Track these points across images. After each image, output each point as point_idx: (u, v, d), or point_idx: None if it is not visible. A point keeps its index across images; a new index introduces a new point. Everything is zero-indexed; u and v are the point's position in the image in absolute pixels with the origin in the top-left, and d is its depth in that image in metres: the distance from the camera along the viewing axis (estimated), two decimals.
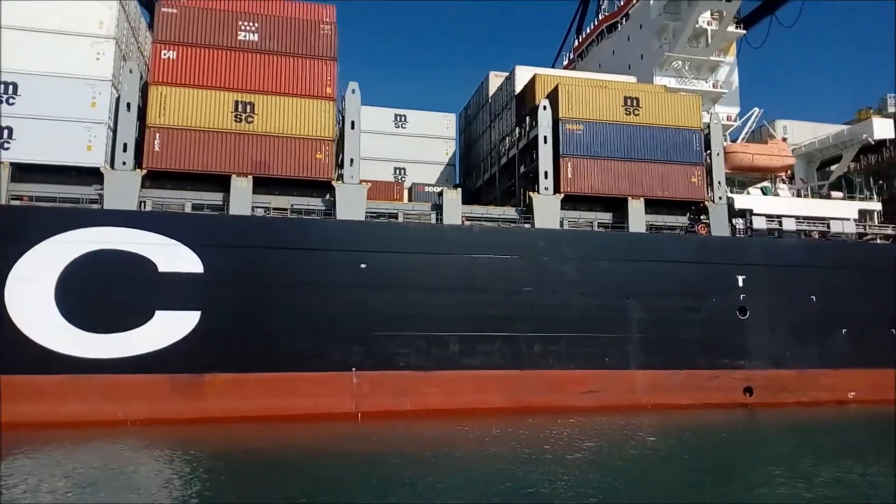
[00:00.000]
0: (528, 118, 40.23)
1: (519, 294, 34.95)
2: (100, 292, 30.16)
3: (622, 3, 57.12)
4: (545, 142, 37.50)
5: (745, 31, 51.39)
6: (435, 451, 24.16)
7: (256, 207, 33.59)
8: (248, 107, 33.87)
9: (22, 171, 31.16)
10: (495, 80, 51.78)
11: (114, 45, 32.84)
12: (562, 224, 37.06)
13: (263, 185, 34.02)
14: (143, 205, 32.26)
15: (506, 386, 34.06)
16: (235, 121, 33.64)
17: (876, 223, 42.55)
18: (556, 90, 38.56)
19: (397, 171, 50.27)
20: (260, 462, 22.17)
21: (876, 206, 42.76)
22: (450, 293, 34.04)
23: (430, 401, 32.86)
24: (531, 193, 36.95)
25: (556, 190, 37.04)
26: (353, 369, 32.54)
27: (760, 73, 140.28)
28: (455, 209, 35.89)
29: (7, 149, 30.78)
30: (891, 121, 44.20)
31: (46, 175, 31.60)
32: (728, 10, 47.86)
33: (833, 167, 48.04)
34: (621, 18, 56.29)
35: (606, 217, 38.50)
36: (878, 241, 42.11)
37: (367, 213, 34.77)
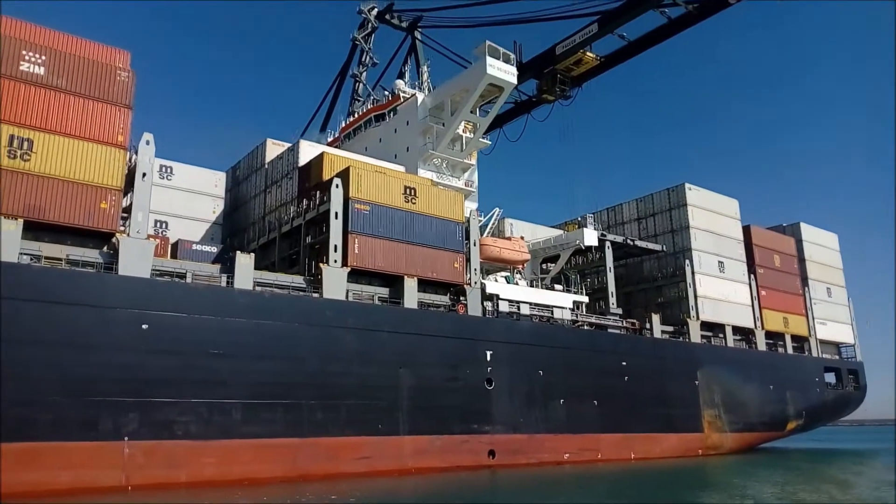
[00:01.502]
0: (317, 192, 42.35)
1: (304, 362, 36.11)
2: None
3: (391, 98, 63.27)
4: (336, 217, 40.00)
5: (490, 143, 60.77)
6: None
7: (24, 254, 30.02)
8: (26, 143, 30.67)
9: None
10: (273, 147, 53.08)
11: None
12: (347, 295, 39.44)
13: (35, 230, 30.65)
14: None
15: (286, 454, 34.48)
16: (9, 156, 30.11)
17: (584, 312, 52.98)
18: (347, 171, 41.60)
19: (159, 225, 47.95)
20: None
21: (584, 298, 53.35)
22: (236, 359, 33.87)
23: (208, 471, 31.85)
24: (321, 265, 38.83)
25: (344, 263, 39.51)
26: (126, 438, 30.24)
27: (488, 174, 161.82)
28: (248, 273, 36.10)
29: None
30: (597, 232, 56.01)
31: None
32: (481, 123, 56.59)
33: (551, 264, 58.65)
34: (389, 112, 62.19)
35: (384, 291, 41.95)
36: (586, 327, 52.42)
37: (152, 270, 33.23)
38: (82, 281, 30.94)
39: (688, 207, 63.80)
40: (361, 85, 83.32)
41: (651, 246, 61.91)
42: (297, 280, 39.20)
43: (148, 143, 34.67)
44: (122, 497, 29.05)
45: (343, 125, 70.37)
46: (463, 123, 57.14)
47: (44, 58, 32.04)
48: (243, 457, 33.06)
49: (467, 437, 41.81)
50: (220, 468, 32.17)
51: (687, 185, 64.72)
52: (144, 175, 34.15)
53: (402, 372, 39.57)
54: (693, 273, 61.08)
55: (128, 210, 34.02)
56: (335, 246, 39.62)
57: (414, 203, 43.87)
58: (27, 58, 31.60)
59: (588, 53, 59.34)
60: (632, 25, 57.49)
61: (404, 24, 79.70)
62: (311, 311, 37.50)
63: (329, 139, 72.69)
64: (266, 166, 52.21)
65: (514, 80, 53.73)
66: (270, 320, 35.64)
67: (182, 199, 49.43)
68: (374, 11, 79.46)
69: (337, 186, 40.60)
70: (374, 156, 57.52)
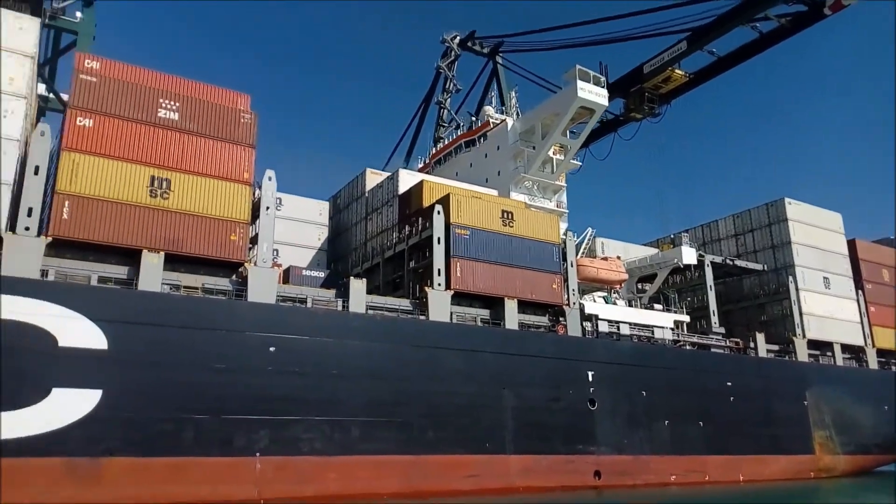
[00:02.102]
0: (419, 218, 44.14)
1: (414, 382, 37.54)
2: None
3: (481, 125, 64.98)
4: (438, 242, 41.57)
5: (580, 164, 61.33)
6: None
7: (165, 284, 32.97)
8: (165, 183, 33.78)
9: None
10: (372, 177, 55.65)
11: (24, 104, 31.35)
12: (451, 318, 40.79)
13: (172, 261, 33.59)
14: (45, 274, 30.23)
15: (400, 471, 35.83)
16: (151, 195, 33.26)
17: (685, 332, 52.32)
18: (447, 198, 43.18)
19: (273, 253, 50.97)
20: None
21: (685, 318, 52.72)
22: (353, 379, 35.67)
23: (332, 486, 33.58)
24: (426, 288, 40.39)
25: (448, 286, 40.93)
26: (257, 454, 32.40)
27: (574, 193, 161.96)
28: (361, 298, 38.07)
29: None
30: (694, 251, 55.37)
31: None
32: (572, 146, 57.28)
33: (647, 284, 58.26)
34: (479, 137, 63.85)
35: (485, 313, 43.07)
36: (687, 346, 51.71)
37: (277, 296, 35.65)
38: (217, 307, 33.63)
39: (788, 223, 61.93)
40: (446, 111, 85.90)
41: (752, 265, 60.54)
42: (405, 303, 40.87)
43: (270, 178, 37.40)
44: None
45: (433, 152, 72.61)
46: (553, 146, 58.05)
47: (177, 104, 35.29)
48: (362, 472, 34.61)
49: (573, 457, 42.02)
50: (342, 483, 33.84)
51: (787, 200, 62.92)
52: (268, 208, 36.82)
53: (505, 392, 40.39)
54: (797, 290, 59.12)
55: (253, 241, 36.68)
56: (438, 270, 41.11)
57: (511, 226, 44.94)
58: (164, 105, 34.90)
59: (676, 71, 59.31)
60: (721, 39, 57.28)
61: (486, 50, 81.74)
62: (419, 332, 39.02)
63: (420, 165, 75.23)
64: (366, 195, 54.69)
65: (605, 102, 54.30)
66: (382, 342, 37.36)
67: (291, 228, 52.38)
68: (457, 40, 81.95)
69: (438, 213, 42.20)
70: (465, 180, 59.14)
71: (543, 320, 45.57)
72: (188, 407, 31.23)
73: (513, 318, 42.94)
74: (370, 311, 38.56)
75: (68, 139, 31.97)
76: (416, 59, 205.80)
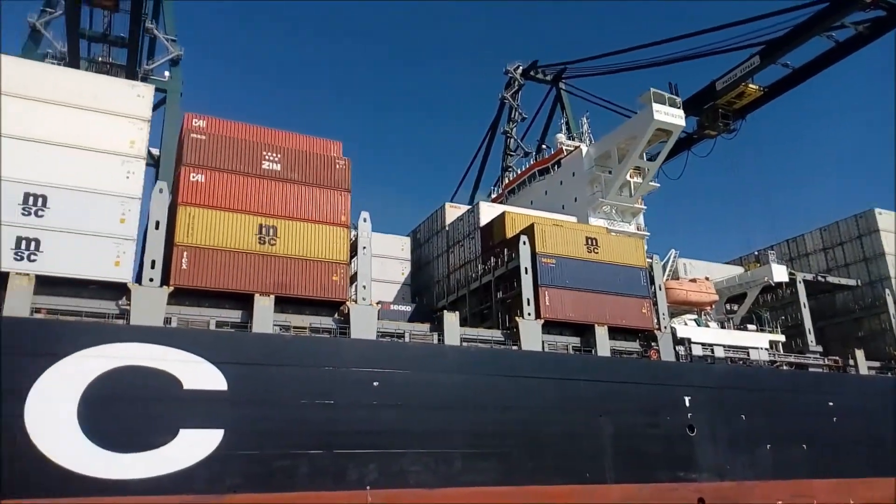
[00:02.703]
0: (504, 249, 44.97)
1: (510, 412, 37.99)
2: (125, 410, 29.55)
3: (552, 153, 65.67)
4: (526, 272, 42.22)
5: (658, 185, 60.98)
6: None
7: (276, 325, 34.75)
8: (271, 230, 35.80)
9: (43, 284, 30.53)
10: (452, 210, 57.03)
11: (143, 165, 34.04)
12: (543, 347, 41.21)
13: (280, 303, 35.38)
14: (168, 321, 32.47)
15: (503, 502, 36.19)
16: (259, 242, 35.33)
17: (782, 352, 50.96)
18: (531, 227, 43.90)
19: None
20: None
21: (781, 337, 51.40)
22: (452, 411, 36.43)
23: None
24: (517, 318, 41.02)
25: (538, 315, 41.42)
26: (368, 487, 33.46)
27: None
28: (455, 330, 39.03)
29: (33, 261, 30.32)
30: (784, 267, 54.13)
31: (68, 288, 31.22)
32: (650, 168, 57.20)
33: (734, 304, 57.15)
34: (552, 165, 64.46)
35: (576, 341, 43.29)
36: (784, 367, 50.33)
37: (377, 331, 36.99)
38: (323, 346, 35.18)
39: (880, 233, 59.81)
40: (513, 140, 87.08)
41: (846, 282, 58.65)
42: (497, 334, 41.57)
43: (365, 220, 39.06)
44: None
45: (506, 182, 73.64)
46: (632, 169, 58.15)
47: (279, 156, 37.48)
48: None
49: (675, 484, 41.39)
50: None
51: (877, 210, 60.85)
52: (364, 248, 38.43)
53: (602, 420, 40.32)
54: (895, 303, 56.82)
55: (351, 279, 38.25)
56: (528, 300, 41.67)
57: (596, 252, 45.21)
58: (266, 157, 37.15)
59: (750, 86, 58.76)
60: (796, 51, 56.51)
61: (548, 78, 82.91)
62: (514, 363, 39.58)
63: (493, 196, 76.33)
64: (447, 228, 55.99)
65: (682, 123, 54.14)
66: (478, 374, 38.07)
67: (376, 264, 53.92)
68: (520, 70, 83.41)
69: (524, 243, 42.92)
70: (541, 209, 59.66)
71: (635, 346, 45.38)
72: (302, 443, 32.61)
73: (604, 344, 42.98)
74: (464, 344, 39.42)
75: (183, 195, 34.43)
76: (477, 92, 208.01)
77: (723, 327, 51.08)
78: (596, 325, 43.12)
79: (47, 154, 31.86)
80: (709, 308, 52.39)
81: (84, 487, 28.05)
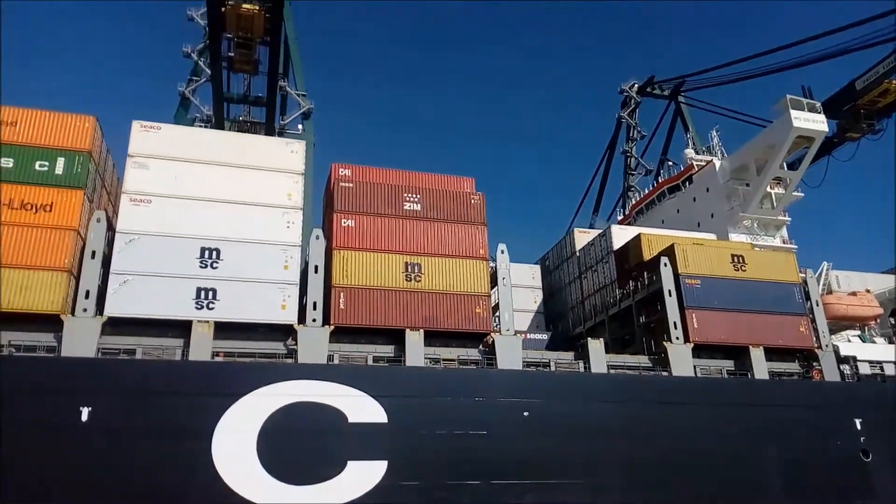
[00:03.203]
0: (644, 272, 44.16)
1: (666, 439, 36.87)
2: (299, 444, 31.66)
3: (682, 169, 63.93)
4: (670, 295, 41.21)
5: (802, 195, 57.67)
6: None
7: (427, 358, 36.04)
8: (416, 267, 37.39)
9: (220, 329, 33.55)
10: (581, 235, 56.74)
11: (301, 214, 36.81)
12: (695, 372, 39.87)
13: (428, 337, 36.64)
14: (331, 358, 34.62)
15: None
16: (406, 280, 37.00)
17: None
18: (672, 248, 42.88)
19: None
20: None
21: None
22: (604, 440, 35.91)
23: None
24: (665, 343, 40.01)
25: (686, 339, 40.20)
26: None
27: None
28: (601, 358, 38.69)
29: (212, 309, 33.50)
30: None
31: (240, 332, 34.15)
32: (792, 177, 54.35)
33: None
34: (683, 182, 62.72)
35: (729, 364, 41.52)
36: None
37: (523, 361, 37.41)
38: (473, 377, 36.05)
39: None
40: (633, 159, 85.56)
41: None
42: (643, 360, 40.73)
43: (503, 251, 39.93)
44: None
45: (633, 202, 72.40)
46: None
47: (419, 196, 39.27)
48: None
49: None
50: None
51: None
52: (504, 279, 39.20)
53: (765, 446, 38.21)
54: None
55: (493, 310, 39.03)
56: (674, 323, 40.57)
57: (744, 270, 43.36)
58: (407, 199, 39.03)
59: (894, 82, 54.77)
60: None
61: (666, 93, 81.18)
62: (666, 389, 38.54)
63: (619, 218, 75.18)
64: (577, 254, 55.70)
65: (825, 129, 51.35)
66: (629, 401, 37.37)
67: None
68: (635, 88, 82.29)
69: (665, 265, 41.98)
70: (673, 227, 58.16)
71: (794, 367, 42.84)
72: (460, 473, 33.35)
73: (761, 367, 40.92)
74: (611, 371, 38.93)
75: (337, 239, 36.83)
76: (582, 120, 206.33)
77: (891, 342, 46.99)
78: (751, 347, 41.18)
79: (218, 211, 35.30)
80: (873, 322, 48.48)
81: None
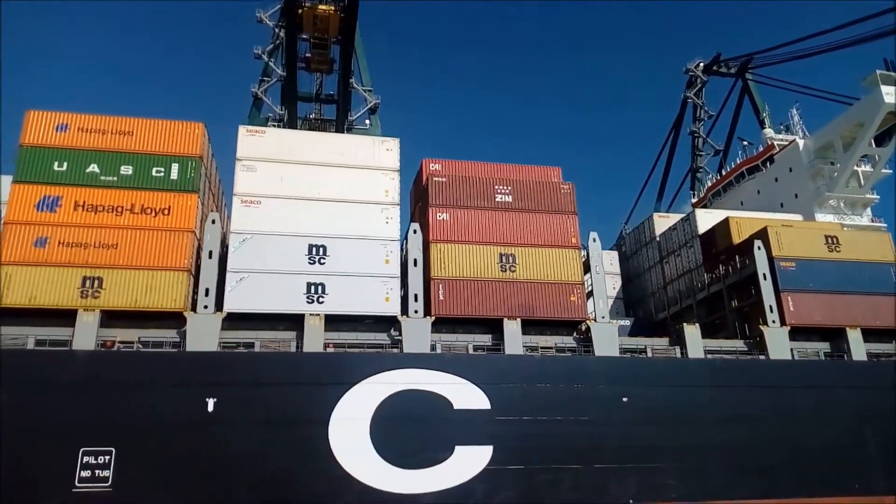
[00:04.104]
0: (736, 255, 43.90)
1: (766, 423, 36.88)
2: (409, 430, 33.05)
3: (762, 149, 62.71)
4: (764, 278, 40.96)
5: (891, 171, 55.98)
6: None
7: (525, 346, 36.91)
8: (510, 258, 38.25)
9: (329, 322, 35.08)
10: (661, 220, 56.47)
11: (398, 210, 38.05)
12: (792, 354, 39.62)
13: (525, 325, 37.44)
14: (433, 347, 35.87)
15: None
16: (501, 270, 37.90)
17: None
18: (764, 231, 42.52)
19: None
20: None
21: None
22: (702, 424, 36.14)
23: None
24: (761, 327, 39.86)
25: (782, 322, 39.94)
26: (630, 501, 34.26)
27: None
28: (697, 342, 38.85)
29: (322, 303, 35.12)
30: None
31: (347, 324, 35.71)
32: (881, 155, 52.82)
33: None
34: (763, 162, 61.55)
35: (825, 346, 41.07)
36: None
37: (620, 348, 37.94)
38: (571, 364, 36.76)
39: None
40: (700, 139, 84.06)
41: None
42: (739, 344, 40.68)
43: (595, 240, 40.43)
44: None
45: (708, 184, 71.36)
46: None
47: (509, 188, 40.03)
48: None
49: None
50: None
51: None
52: (597, 267, 39.70)
53: (866, 428, 37.80)
54: None
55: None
56: (770, 306, 40.36)
57: (838, 251, 42.75)
58: (499, 190, 39.83)
59: None
60: None
61: (733, 71, 79.33)
62: (763, 373, 38.47)
63: (694, 201, 74.23)
64: (657, 239, 55.53)
65: None
66: (727, 386, 37.47)
67: None
68: (701, 66, 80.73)
69: (759, 248, 41.68)
70: (753, 209, 57.22)
71: (890, 348, 41.99)
72: (563, 457, 34.21)
73: (859, 348, 40.38)
74: (708, 356, 39.06)
75: (433, 233, 37.96)
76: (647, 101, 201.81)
77: None
78: (847, 329, 40.65)
79: (322, 210, 36.87)
80: None
81: (381, 501, 31.77)
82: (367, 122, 65.08)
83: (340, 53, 59.69)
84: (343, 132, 61.43)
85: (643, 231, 58.39)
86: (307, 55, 60.29)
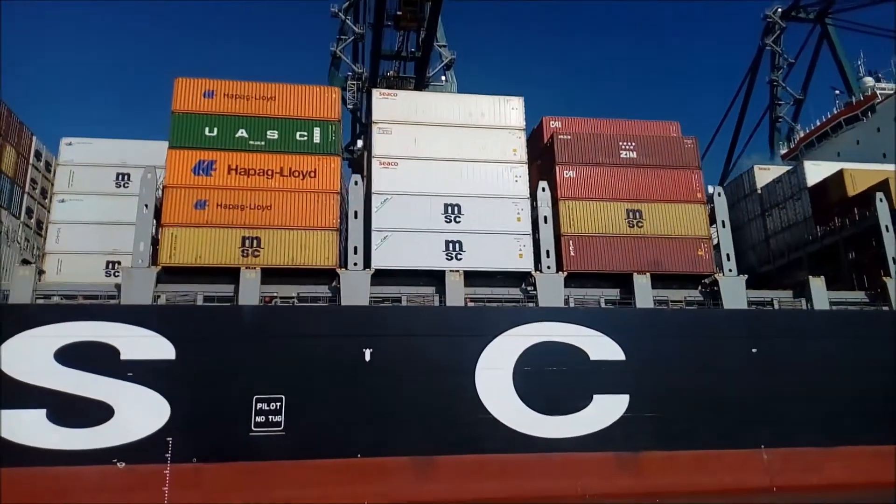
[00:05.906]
0: (854, 208, 43.79)
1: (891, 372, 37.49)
2: (549, 379, 34.72)
3: (862, 99, 61.35)
4: (887, 230, 40.97)
5: None
6: None
7: (655, 299, 37.96)
8: (637, 213, 39.04)
9: (468, 277, 36.54)
10: (762, 173, 56.11)
11: (526, 168, 39.00)
12: None
13: (654, 279, 38.39)
14: (567, 301, 37.23)
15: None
16: (629, 226, 38.79)
17: None
18: (885, 183, 42.27)
19: None
20: None
21: None
22: (834, 374, 36.91)
23: (837, 475, 35.23)
24: (885, 279, 40.11)
25: None
26: (762, 447, 35.58)
27: None
28: (822, 295, 39.38)
29: (460, 259, 36.66)
30: None
31: (482, 279, 37.18)
32: None
33: None
34: (863, 112, 60.27)
35: None
36: None
37: (747, 300, 38.75)
38: (702, 317, 38.00)
39: None
40: (779, 88, 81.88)
41: None
42: (861, 296, 41.04)
43: (720, 194, 40.90)
44: (770, 497, 34.29)
45: (801, 135, 70.21)
46: None
47: (633, 144, 40.52)
48: (861, 462, 35.62)
49: None
50: (844, 472, 35.22)
51: None
52: (723, 221, 40.32)
53: None
54: None
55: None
56: (893, 258, 40.47)
57: None
58: (623, 147, 40.36)
59: None
60: None
61: (811, 16, 76.61)
62: (890, 322, 38.92)
63: (783, 152, 73.17)
64: (759, 191, 55.29)
65: None
66: (855, 336, 38.03)
67: None
68: (779, 12, 78.07)
69: (881, 200, 41.54)
70: (851, 160, 56.20)
71: None
72: (696, 406, 35.58)
73: None
74: (833, 308, 39.60)
75: (561, 190, 38.92)
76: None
77: None
78: None
79: (455, 169, 38.05)
80: None
81: (528, 445, 33.68)
82: (443, 78, 65.38)
83: (430, 10, 59.73)
84: (422, 90, 61.88)
85: (742, 183, 58.10)
86: (397, 13, 60.52)
